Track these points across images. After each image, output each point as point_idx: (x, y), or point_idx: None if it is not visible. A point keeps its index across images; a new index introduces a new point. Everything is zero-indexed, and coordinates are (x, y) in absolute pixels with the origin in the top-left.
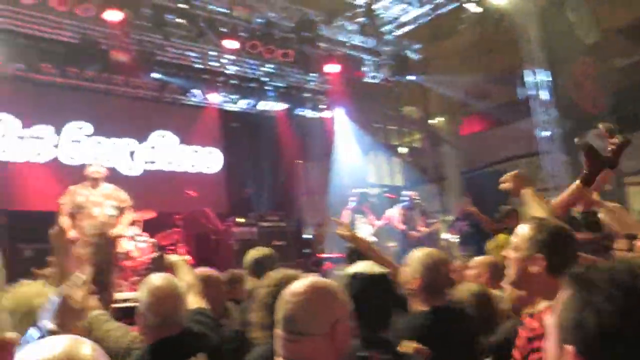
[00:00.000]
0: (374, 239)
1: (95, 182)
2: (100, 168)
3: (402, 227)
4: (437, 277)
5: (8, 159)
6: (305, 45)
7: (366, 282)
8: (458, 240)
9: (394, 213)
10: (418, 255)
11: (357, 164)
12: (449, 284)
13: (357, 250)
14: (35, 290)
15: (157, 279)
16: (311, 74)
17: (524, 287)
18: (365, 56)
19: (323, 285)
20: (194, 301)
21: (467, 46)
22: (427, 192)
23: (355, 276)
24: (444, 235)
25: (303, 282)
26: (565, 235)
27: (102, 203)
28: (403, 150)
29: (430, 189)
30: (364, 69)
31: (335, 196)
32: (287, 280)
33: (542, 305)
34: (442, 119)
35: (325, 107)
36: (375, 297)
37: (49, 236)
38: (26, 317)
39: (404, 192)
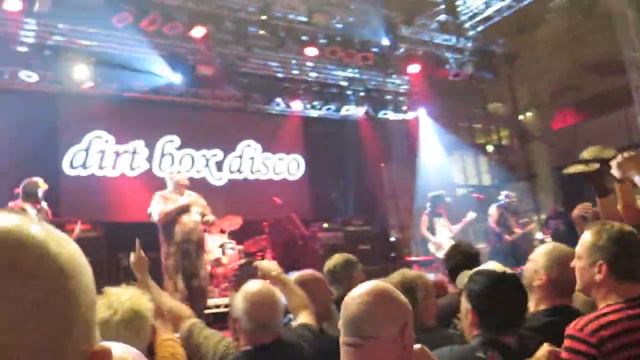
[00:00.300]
0: (451, 242)
1: (181, 189)
2: (186, 175)
3: (496, 227)
4: (565, 272)
5: (105, 174)
6: (385, 47)
7: (491, 281)
8: (552, 239)
9: (490, 212)
10: (545, 249)
11: (442, 165)
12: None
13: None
14: (118, 291)
15: (254, 285)
16: (392, 76)
17: (592, 294)
18: (448, 54)
19: (387, 287)
20: (306, 319)
21: (556, 36)
22: (517, 190)
23: (479, 274)
24: (538, 235)
25: (367, 285)
26: (627, 239)
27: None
28: (490, 148)
29: (520, 187)
30: (447, 67)
31: (420, 198)
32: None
33: (601, 306)
34: (531, 114)
35: (407, 108)
36: (499, 298)
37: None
38: (125, 318)
39: (502, 192)
